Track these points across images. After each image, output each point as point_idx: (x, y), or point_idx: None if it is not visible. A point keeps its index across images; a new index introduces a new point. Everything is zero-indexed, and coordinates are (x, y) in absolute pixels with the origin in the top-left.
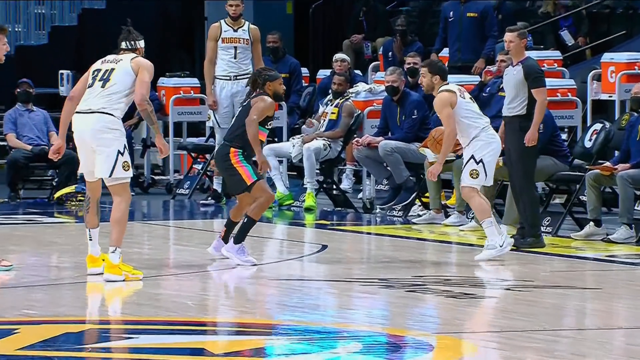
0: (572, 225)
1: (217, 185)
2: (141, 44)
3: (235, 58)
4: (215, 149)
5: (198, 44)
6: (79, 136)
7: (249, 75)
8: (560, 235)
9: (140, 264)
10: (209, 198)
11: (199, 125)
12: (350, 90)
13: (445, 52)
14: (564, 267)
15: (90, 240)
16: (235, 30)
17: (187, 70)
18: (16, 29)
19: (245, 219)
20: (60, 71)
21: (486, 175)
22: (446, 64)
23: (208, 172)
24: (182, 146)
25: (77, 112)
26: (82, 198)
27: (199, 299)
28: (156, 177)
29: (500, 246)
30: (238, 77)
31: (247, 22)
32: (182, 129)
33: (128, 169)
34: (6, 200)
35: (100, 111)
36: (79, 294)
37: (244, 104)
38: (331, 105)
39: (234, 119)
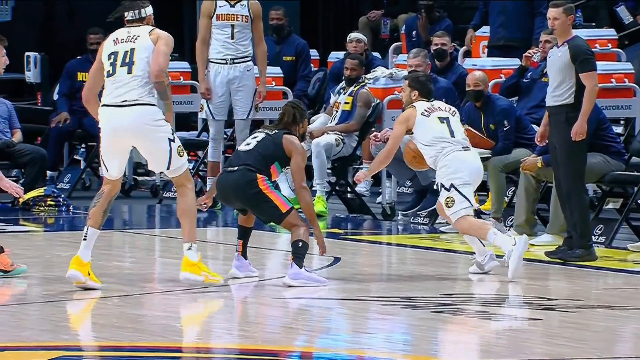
0: (629, 235)
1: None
2: (149, 10)
3: (232, 38)
4: (223, 171)
5: (188, 21)
6: (114, 134)
7: (248, 59)
8: (615, 246)
9: (120, 279)
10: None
11: (190, 117)
12: (367, 75)
13: (483, 31)
14: (619, 283)
15: (85, 239)
16: (232, 6)
17: (176, 53)
18: None
19: (300, 244)
20: (27, 53)
21: (466, 198)
22: (482, 43)
23: (200, 173)
24: None
25: (107, 106)
26: (52, 202)
27: (189, 321)
28: (139, 178)
29: (514, 245)
30: (235, 61)
31: None
32: None
33: (183, 154)
34: None
35: (137, 103)
36: (47, 316)
37: (270, 133)
38: (344, 93)
39: (253, 142)
